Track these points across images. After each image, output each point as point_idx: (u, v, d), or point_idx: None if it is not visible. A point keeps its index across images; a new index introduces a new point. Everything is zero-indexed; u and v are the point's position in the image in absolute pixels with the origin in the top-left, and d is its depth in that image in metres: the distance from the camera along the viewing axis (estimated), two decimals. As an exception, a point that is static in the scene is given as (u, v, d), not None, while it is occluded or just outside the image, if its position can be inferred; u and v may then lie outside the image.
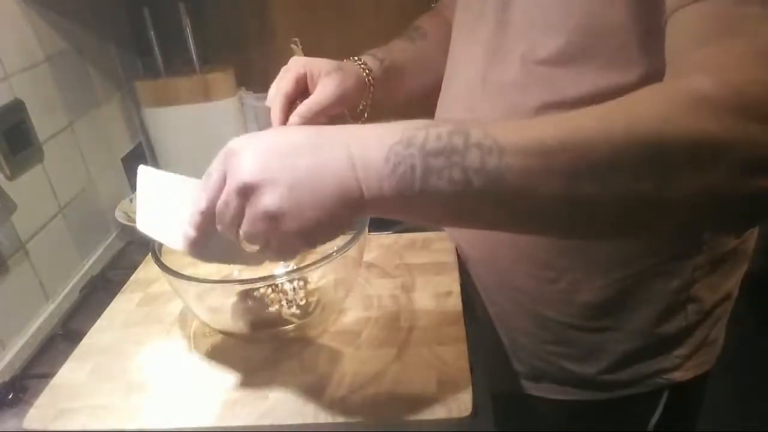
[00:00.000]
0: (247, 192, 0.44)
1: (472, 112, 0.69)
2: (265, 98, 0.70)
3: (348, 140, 0.43)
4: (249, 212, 0.44)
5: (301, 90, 0.69)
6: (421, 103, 1.30)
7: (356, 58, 0.75)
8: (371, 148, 0.42)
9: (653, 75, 0.49)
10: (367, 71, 0.74)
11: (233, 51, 1.26)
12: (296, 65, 0.70)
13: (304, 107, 0.67)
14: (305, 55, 1.23)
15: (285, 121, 0.67)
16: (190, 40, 1.18)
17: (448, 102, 0.77)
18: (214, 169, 0.47)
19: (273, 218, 0.43)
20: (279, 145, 0.44)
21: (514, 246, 0.70)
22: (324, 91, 0.68)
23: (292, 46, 1.24)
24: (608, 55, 0.57)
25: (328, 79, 0.68)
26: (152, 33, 1.18)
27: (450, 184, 0.41)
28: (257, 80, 1.28)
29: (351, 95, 0.71)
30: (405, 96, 0.83)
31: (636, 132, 0.39)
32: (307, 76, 0.69)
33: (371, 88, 0.74)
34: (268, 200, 0.43)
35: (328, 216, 0.43)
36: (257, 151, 0.44)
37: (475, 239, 0.76)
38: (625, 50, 0.56)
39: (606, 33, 0.56)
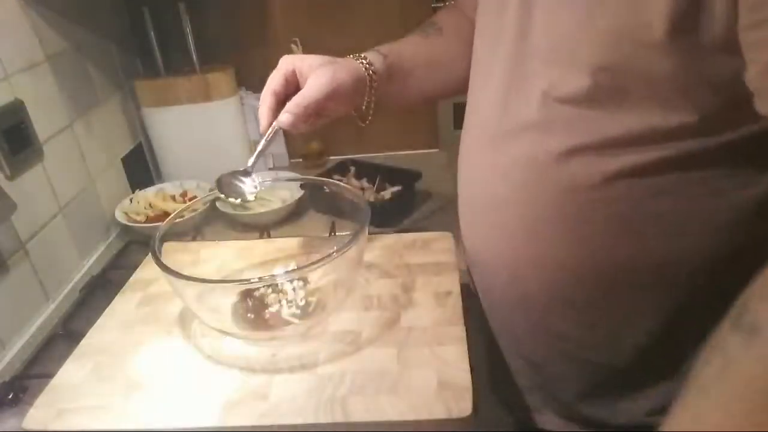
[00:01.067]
0: None
1: (492, 153, 0.63)
2: None
3: None
4: None
5: (292, 88, 0.68)
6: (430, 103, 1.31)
7: (359, 54, 0.72)
8: None
9: (698, 121, 0.49)
10: (367, 66, 0.70)
11: (233, 51, 1.26)
12: (285, 63, 0.68)
13: (291, 103, 0.65)
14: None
15: (273, 118, 0.66)
16: (190, 40, 1.18)
17: (468, 140, 0.69)
18: None
19: None
20: None
21: (546, 288, 0.64)
22: (312, 85, 0.65)
23: (292, 46, 1.24)
24: (643, 98, 0.51)
25: (318, 72, 0.66)
26: (152, 33, 1.18)
27: None
28: (257, 80, 1.28)
29: (346, 91, 0.67)
30: (418, 96, 0.80)
31: None
32: (297, 72, 0.68)
33: (374, 84, 0.70)
34: None
35: None
36: None
37: (503, 283, 0.67)
38: (663, 94, 0.50)
39: (640, 75, 0.50)
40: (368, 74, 0.70)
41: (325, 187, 0.71)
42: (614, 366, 0.65)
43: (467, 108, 0.72)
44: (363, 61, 0.70)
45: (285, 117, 0.65)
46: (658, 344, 0.63)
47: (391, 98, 0.74)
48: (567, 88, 0.54)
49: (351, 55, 0.71)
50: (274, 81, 0.68)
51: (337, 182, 0.74)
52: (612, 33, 0.49)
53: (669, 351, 0.63)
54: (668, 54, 0.47)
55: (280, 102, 0.67)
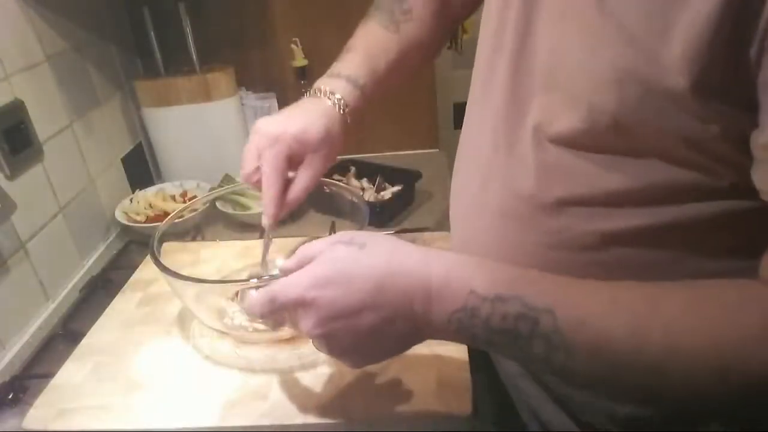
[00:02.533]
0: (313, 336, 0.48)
1: (484, 193, 0.55)
2: (265, 98, 0.69)
3: (411, 299, 0.44)
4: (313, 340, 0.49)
5: (294, 164, 0.65)
6: (416, 103, 1.31)
7: (332, 92, 0.67)
8: (434, 312, 0.44)
9: (712, 179, 0.42)
10: (343, 109, 0.67)
11: (233, 51, 1.26)
12: (281, 145, 0.63)
13: (298, 190, 0.65)
14: (305, 54, 1.24)
15: (282, 201, 0.64)
16: (190, 40, 1.18)
17: (460, 179, 0.62)
18: (284, 304, 0.48)
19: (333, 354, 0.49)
20: (342, 304, 0.46)
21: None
22: (313, 169, 0.65)
23: (292, 46, 1.24)
24: (650, 150, 0.43)
25: (316, 157, 0.65)
26: (152, 33, 1.18)
27: (511, 355, 0.45)
28: (257, 80, 1.28)
29: (337, 150, 0.67)
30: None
31: (741, 367, 0.38)
32: (294, 153, 0.64)
33: (347, 119, 0.68)
34: (330, 351, 0.48)
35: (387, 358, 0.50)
36: (322, 311, 0.46)
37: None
38: (674, 148, 0.42)
39: (647, 124, 0.42)
40: (345, 116, 0.67)
41: (325, 187, 0.70)
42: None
43: (466, 119, 0.65)
44: (339, 103, 0.67)
45: (293, 198, 0.64)
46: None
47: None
48: (561, 125, 0.46)
49: (325, 93, 0.67)
50: (278, 161, 0.63)
51: (337, 182, 0.74)
52: (616, 72, 0.41)
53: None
54: (686, 107, 0.39)
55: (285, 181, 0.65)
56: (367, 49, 0.71)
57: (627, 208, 0.46)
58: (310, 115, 0.65)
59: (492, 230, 0.54)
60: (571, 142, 0.46)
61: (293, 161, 0.64)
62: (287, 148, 0.63)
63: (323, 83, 0.68)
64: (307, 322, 0.47)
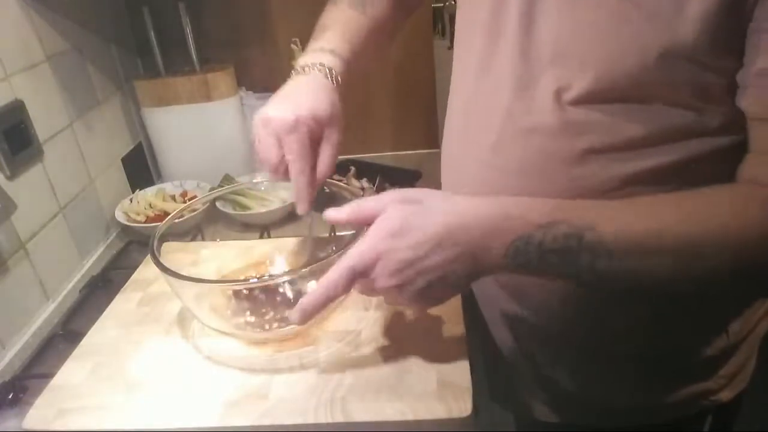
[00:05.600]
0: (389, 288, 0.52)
1: (494, 156, 0.62)
2: (266, 97, 0.68)
3: (474, 236, 0.49)
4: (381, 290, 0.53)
5: (314, 144, 0.64)
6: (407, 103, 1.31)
7: (321, 63, 0.67)
8: (492, 248, 0.49)
9: (720, 120, 0.51)
10: (336, 80, 0.67)
11: (233, 51, 1.26)
12: (301, 128, 0.62)
13: (327, 166, 0.65)
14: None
15: (314, 184, 0.64)
16: (190, 40, 1.18)
17: (465, 142, 0.68)
18: (366, 266, 0.52)
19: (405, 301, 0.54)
20: (415, 251, 0.50)
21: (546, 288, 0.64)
22: (333, 143, 0.65)
23: (292, 46, 1.24)
24: (665, 100, 0.52)
25: (332, 130, 0.65)
26: (152, 33, 1.18)
27: (561, 274, 0.50)
28: (257, 80, 1.28)
29: (343, 120, 0.67)
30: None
31: (746, 247, 0.47)
32: (314, 133, 0.63)
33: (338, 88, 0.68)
34: (404, 298, 0.53)
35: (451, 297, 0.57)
36: (397, 262, 0.51)
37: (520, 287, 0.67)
38: (686, 97, 0.52)
39: (663, 81, 0.51)
40: (336, 86, 0.67)
41: (325, 188, 0.70)
42: (614, 361, 0.65)
43: (452, 109, 0.71)
44: (330, 73, 0.67)
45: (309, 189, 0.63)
46: (661, 340, 0.63)
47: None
48: (580, 89, 0.53)
49: (318, 65, 0.67)
50: (304, 146, 0.62)
51: (337, 182, 0.74)
52: (637, 42, 0.49)
53: (670, 345, 0.64)
54: (696, 62, 0.48)
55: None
56: (343, 26, 0.72)
57: (642, 151, 0.53)
58: (313, 92, 0.65)
59: (509, 188, 0.59)
60: (591, 100, 0.53)
61: (312, 141, 0.63)
62: (308, 131, 0.62)
63: (309, 58, 0.68)
64: (383, 277, 0.51)
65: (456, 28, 0.68)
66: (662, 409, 0.68)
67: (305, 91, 0.65)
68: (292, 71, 0.68)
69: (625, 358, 0.65)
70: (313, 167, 0.64)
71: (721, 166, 0.52)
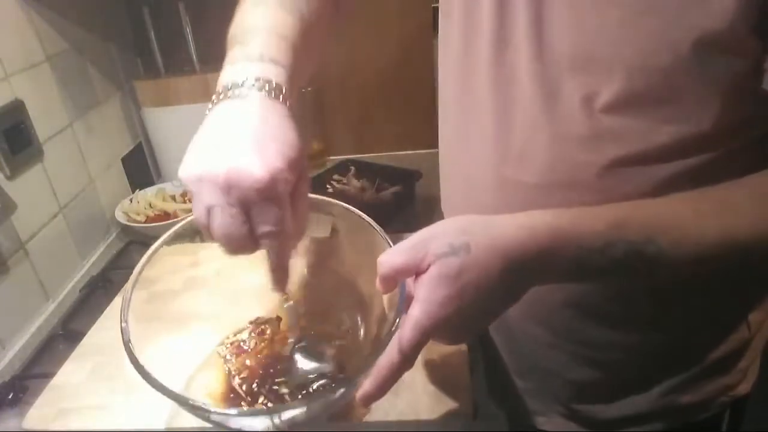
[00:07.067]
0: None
1: (519, 169, 0.58)
2: None
3: (531, 285, 0.47)
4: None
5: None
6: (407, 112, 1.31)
7: (266, 79, 0.52)
8: (546, 278, 0.47)
9: (749, 119, 0.50)
10: (287, 100, 0.52)
11: (233, 51, 1.26)
12: (278, 186, 0.46)
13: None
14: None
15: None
16: (190, 40, 1.18)
17: (473, 155, 0.63)
18: (434, 325, 0.46)
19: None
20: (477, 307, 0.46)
21: (556, 290, 0.62)
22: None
23: (292, 46, 1.23)
24: (694, 99, 0.49)
25: (301, 198, 0.51)
26: (152, 33, 1.18)
27: (617, 281, 0.52)
28: (257, 80, 1.28)
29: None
30: (300, 80, 0.59)
31: None
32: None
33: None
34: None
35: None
36: (459, 320, 0.46)
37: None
38: (717, 94, 0.48)
39: (692, 76, 0.47)
40: (287, 105, 0.52)
41: (327, 186, 0.70)
42: (615, 365, 0.65)
43: (451, 121, 0.66)
44: (276, 91, 0.52)
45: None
46: (662, 343, 0.63)
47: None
48: (611, 94, 0.49)
49: (251, 81, 0.53)
50: (284, 214, 0.48)
51: (318, 196, 0.66)
52: (668, 34, 0.46)
53: (671, 350, 0.63)
54: (727, 49, 0.45)
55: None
56: (276, 29, 0.57)
57: (673, 155, 0.51)
58: (277, 127, 0.49)
59: (529, 201, 0.55)
60: (624, 105, 0.50)
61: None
62: (286, 188, 0.47)
63: (244, 71, 0.54)
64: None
65: (445, 39, 0.63)
66: (681, 408, 0.67)
67: (263, 129, 0.48)
68: (218, 91, 0.54)
69: (631, 358, 0.64)
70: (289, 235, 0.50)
71: (751, 159, 0.50)
